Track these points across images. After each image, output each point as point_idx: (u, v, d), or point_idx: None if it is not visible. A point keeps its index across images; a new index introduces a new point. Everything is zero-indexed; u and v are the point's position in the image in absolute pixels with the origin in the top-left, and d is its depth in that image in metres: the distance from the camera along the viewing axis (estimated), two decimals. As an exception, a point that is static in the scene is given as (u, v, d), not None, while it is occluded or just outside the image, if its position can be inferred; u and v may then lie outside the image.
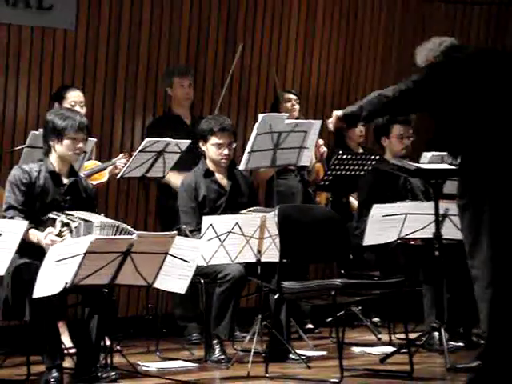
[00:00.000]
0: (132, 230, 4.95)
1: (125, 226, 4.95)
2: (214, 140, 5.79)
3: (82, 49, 6.67)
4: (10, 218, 4.89)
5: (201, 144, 5.87)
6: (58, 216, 4.89)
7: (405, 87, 4.47)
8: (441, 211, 5.60)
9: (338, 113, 4.72)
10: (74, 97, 6.07)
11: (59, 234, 4.84)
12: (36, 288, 4.57)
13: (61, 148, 5.07)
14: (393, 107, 4.54)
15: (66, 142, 5.05)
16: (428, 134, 6.23)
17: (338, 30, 7.78)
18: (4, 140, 6.39)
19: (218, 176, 5.90)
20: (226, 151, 5.80)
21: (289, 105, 6.86)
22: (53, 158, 5.12)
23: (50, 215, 4.91)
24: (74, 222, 4.86)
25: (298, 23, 7.60)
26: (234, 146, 5.90)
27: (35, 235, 4.87)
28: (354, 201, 6.74)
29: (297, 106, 6.92)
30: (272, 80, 7.33)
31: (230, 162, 5.95)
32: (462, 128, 4.45)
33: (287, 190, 6.63)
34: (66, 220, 4.87)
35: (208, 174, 5.88)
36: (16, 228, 4.57)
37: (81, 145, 5.08)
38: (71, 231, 4.84)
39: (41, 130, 5.51)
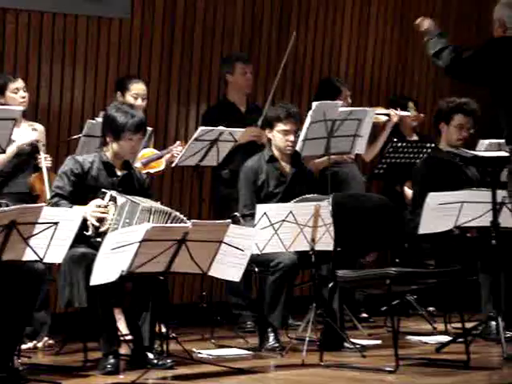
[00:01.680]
0: (184, 218, 4.98)
1: (178, 214, 4.98)
2: (280, 127, 5.79)
3: (137, 38, 6.71)
4: (55, 203, 4.92)
5: (267, 131, 5.87)
6: (108, 191, 4.94)
7: (468, 55, 4.56)
8: (498, 199, 5.52)
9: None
10: (138, 89, 6.08)
11: (105, 206, 4.87)
12: (93, 275, 4.62)
13: (117, 147, 5.10)
14: (455, 67, 4.70)
15: (122, 142, 5.07)
16: (486, 123, 6.18)
17: (393, 15, 7.71)
18: (61, 129, 6.46)
19: (282, 163, 5.89)
20: (291, 138, 5.80)
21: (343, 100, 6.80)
22: (108, 150, 5.17)
23: (103, 190, 4.95)
24: (121, 198, 4.89)
25: (352, 9, 7.55)
26: (297, 134, 5.89)
27: (81, 208, 4.88)
28: (408, 190, 6.68)
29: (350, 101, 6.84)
30: (326, 66, 7.31)
31: (294, 153, 5.94)
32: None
33: (341, 179, 6.59)
34: (114, 194, 4.91)
35: (272, 159, 5.88)
36: (73, 216, 4.62)
37: (137, 144, 5.10)
38: (116, 206, 4.88)
39: (97, 120, 5.57)
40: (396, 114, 6.69)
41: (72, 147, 5.96)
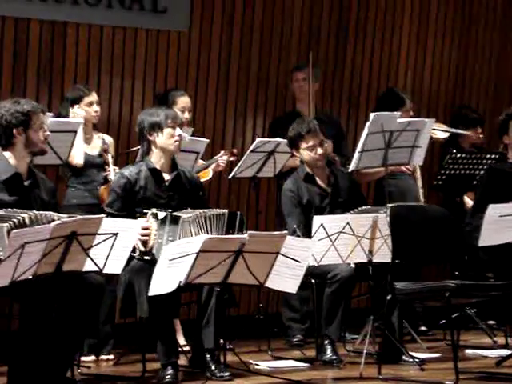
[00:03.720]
0: (223, 210, 5.01)
1: (215, 211, 5.02)
2: (304, 144, 5.76)
3: (196, 50, 6.76)
4: None
5: (294, 152, 5.85)
6: (150, 210, 4.98)
7: None
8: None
9: None
10: (185, 102, 6.11)
11: (147, 225, 4.91)
12: (152, 286, 4.65)
13: (162, 139, 5.14)
14: None
15: (166, 130, 5.13)
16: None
17: (452, 25, 7.64)
18: (120, 141, 6.53)
19: (318, 179, 5.87)
20: (319, 151, 5.78)
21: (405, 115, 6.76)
22: (153, 156, 5.20)
23: (145, 210, 5.00)
24: (161, 212, 4.94)
25: (410, 19, 7.51)
26: (326, 144, 5.86)
27: None
28: (468, 200, 6.60)
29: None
30: (384, 78, 7.27)
31: (327, 162, 5.92)
32: None
33: (397, 190, 6.54)
34: (155, 211, 4.96)
35: (308, 178, 5.86)
36: (131, 226, 4.67)
37: (179, 131, 5.14)
38: (157, 220, 4.93)
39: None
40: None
41: (131, 159, 6.01)
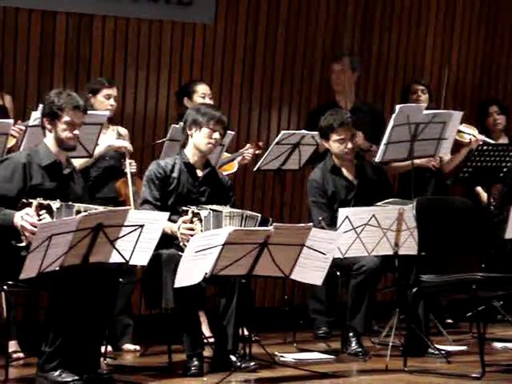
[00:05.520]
0: (257, 214, 5.02)
1: (249, 212, 5.04)
2: (335, 136, 5.74)
3: (221, 43, 6.77)
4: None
5: (323, 142, 5.84)
6: (190, 207, 4.99)
7: None
8: None
9: None
10: (204, 89, 6.15)
11: (191, 223, 4.93)
12: (177, 278, 4.67)
13: (198, 137, 5.16)
14: None
15: (204, 130, 5.14)
16: None
17: (479, 17, 7.59)
18: (145, 134, 6.55)
19: (345, 171, 5.85)
20: (349, 145, 5.75)
21: (414, 96, 6.76)
22: (188, 150, 5.22)
23: (184, 207, 5.01)
24: (203, 211, 4.94)
25: (436, 11, 7.46)
26: (357, 138, 5.84)
27: (169, 226, 4.97)
28: (481, 192, 6.58)
29: (424, 97, 6.78)
30: (410, 70, 7.25)
31: (356, 154, 5.90)
32: None
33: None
34: (196, 210, 4.96)
35: (335, 169, 5.84)
36: (157, 218, 4.69)
37: (217, 136, 5.15)
38: (201, 220, 4.93)
39: (181, 124, 5.63)
40: (478, 139, 6.51)
41: (156, 152, 6.03)
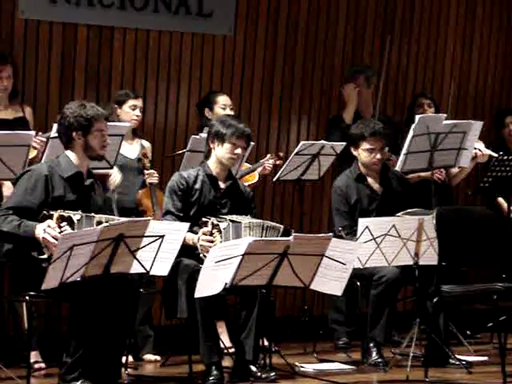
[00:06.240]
0: (277, 225, 5.03)
1: (270, 223, 5.05)
2: (365, 145, 5.76)
3: (240, 54, 6.80)
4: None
5: (352, 149, 5.86)
6: (209, 219, 5.01)
7: None
8: None
9: None
10: (224, 100, 6.18)
11: (211, 235, 4.95)
12: (197, 288, 4.68)
13: (220, 151, 5.18)
14: None
15: (226, 145, 5.16)
16: None
17: (499, 24, 7.57)
18: (166, 145, 6.58)
19: (370, 180, 5.86)
20: (378, 156, 5.77)
21: (420, 110, 6.74)
22: (211, 162, 5.25)
23: (204, 219, 5.03)
24: (223, 223, 4.96)
25: (456, 22, 7.46)
26: (386, 149, 5.86)
27: (190, 238, 5.00)
28: (503, 202, 6.55)
29: (430, 110, 6.76)
30: (429, 79, 7.24)
31: (383, 165, 5.91)
32: None
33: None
34: (216, 222, 4.98)
35: (360, 178, 5.86)
36: (178, 229, 4.71)
37: (239, 151, 5.17)
38: (220, 232, 4.95)
39: (201, 135, 5.66)
40: (484, 153, 6.48)
41: (177, 162, 6.06)
